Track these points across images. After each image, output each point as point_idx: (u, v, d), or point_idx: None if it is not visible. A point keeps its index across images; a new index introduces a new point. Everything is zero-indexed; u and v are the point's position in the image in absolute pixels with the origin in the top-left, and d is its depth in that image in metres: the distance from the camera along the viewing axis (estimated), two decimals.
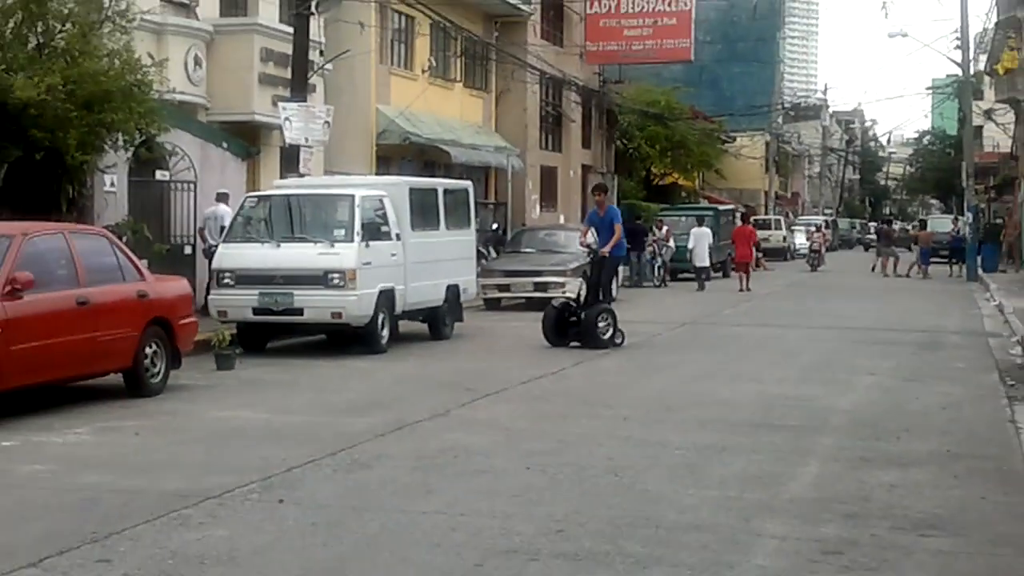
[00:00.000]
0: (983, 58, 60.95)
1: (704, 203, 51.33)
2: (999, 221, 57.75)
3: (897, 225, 57.39)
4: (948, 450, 11.04)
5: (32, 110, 16.90)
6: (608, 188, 22.56)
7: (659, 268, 38.14)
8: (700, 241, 37.83)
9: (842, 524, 8.25)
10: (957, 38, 50.61)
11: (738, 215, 48.36)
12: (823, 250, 50.62)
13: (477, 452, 10.74)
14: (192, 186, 22.68)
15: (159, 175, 22.40)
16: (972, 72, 54.85)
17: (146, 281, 14.33)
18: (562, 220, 38.77)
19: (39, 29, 17.85)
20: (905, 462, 10.44)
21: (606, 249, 19.48)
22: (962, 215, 51.92)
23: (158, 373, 14.12)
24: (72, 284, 13.11)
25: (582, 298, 19.51)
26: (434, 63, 35.44)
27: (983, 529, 8.25)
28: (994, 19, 57.48)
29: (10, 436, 11.40)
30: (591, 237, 20.01)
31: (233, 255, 18.40)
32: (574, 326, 18.68)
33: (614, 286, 24.81)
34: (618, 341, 19.31)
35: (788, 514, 8.53)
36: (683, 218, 42.85)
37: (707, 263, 38.41)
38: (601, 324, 18.77)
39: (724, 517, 8.42)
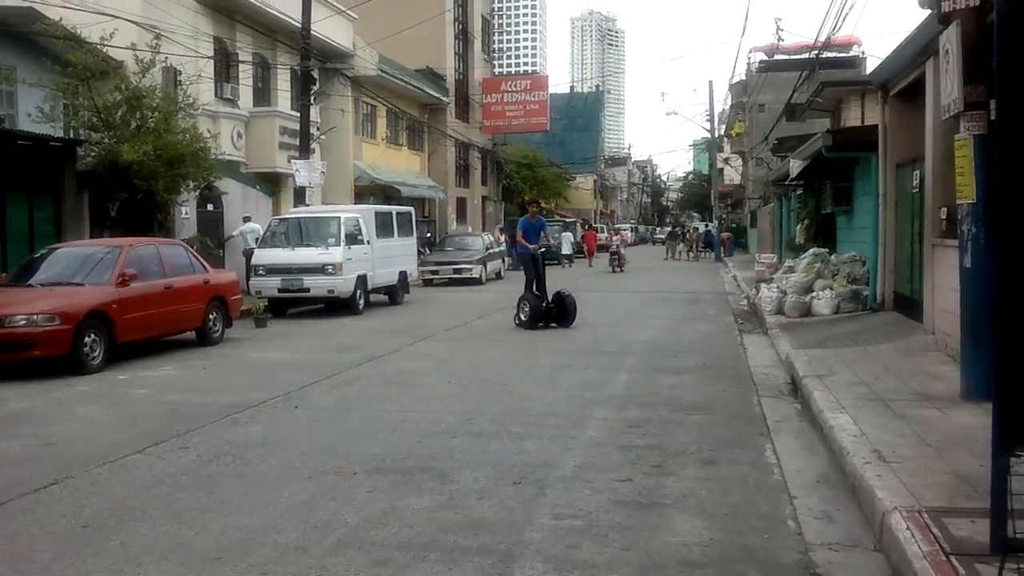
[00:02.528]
0: (723, 127, 61.75)
1: (558, 218, 51.45)
2: (733, 226, 58.82)
3: (679, 229, 57.74)
4: (704, 363, 11.22)
5: (134, 167, 16.70)
6: (540, 204, 18.68)
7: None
8: (565, 239, 39.20)
9: (641, 409, 8.37)
10: (707, 115, 51.33)
11: (579, 224, 50.68)
12: (622, 250, 36.50)
13: (418, 373, 10.72)
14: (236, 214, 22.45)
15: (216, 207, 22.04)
16: (716, 135, 55.61)
17: (208, 273, 14.12)
18: (470, 230, 38.61)
19: (137, 115, 17.51)
20: (679, 371, 10.60)
21: (550, 243, 17.31)
22: (712, 222, 52.85)
23: (217, 331, 13.93)
24: (161, 276, 12.91)
25: (534, 287, 15.39)
26: (389, 134, 35.27)
27: (725, 409, 8.43)
28: (730, 103, 58.51)
29: (124, 372, 11.20)
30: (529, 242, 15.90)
31: (265, 255, 18.17)
32: (549, 312, 15.20)
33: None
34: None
35: (608, 405, 8.62)
36: (550, 227, 43.77)
37: (570, 252, 39.78)
38: (574, 307, 15.51)
39: (569, 408, 8.50)
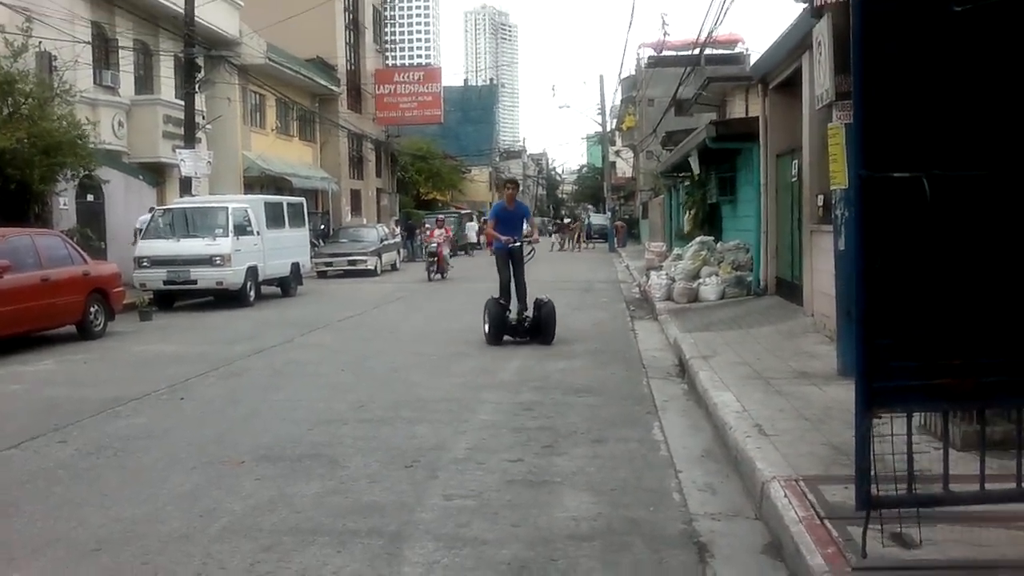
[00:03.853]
0: (614, 120, 62.71)
1: (453, 210, 51.38)
2: (626, 217, 59.82)
3: (567, 221, 58.12)
4: (596, 348, 11.39)
5: (7, 156, 15.96)
6: (519, 184, 14.35)
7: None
8: (470, 229, 42.95)
9: (533, 393, 8.45)
10: (599, 109, 52.06)
11: (476, 216, 50.87)
12: (443, 250, 25.43)
13: (309, 363, 10.57)
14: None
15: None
16: (608, 129, 56.45)
17: (88, 264, 13.63)
18: (364, 222, 38.17)
19: (9, 102, 16.74)
20: (571, 356, 10.72)
21: (536, 237, 13.22)
22: (606, 214, 53.65)
23: (99, 324, 13.45)
24: (37, 268, 12.40)
25: (511, 295, 11.86)
26: (279, 124, 34.56)
27: (615, 391, 8.58)
28: (620, 97, 59.44)
29: None
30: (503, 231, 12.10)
31: (149, 246, 17.61)
32: (520, 324, 11.60)
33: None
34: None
35: (501, 389, 8.68)
36: (447, 218, 44.41)
37: (475, 240, 43.14)
38: (554, 320, 11.72)
39: (462, 393, 8.52)
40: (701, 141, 17.23)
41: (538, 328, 11.67)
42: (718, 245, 17.46)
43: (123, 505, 5.22)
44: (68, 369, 10.60)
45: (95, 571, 4.22)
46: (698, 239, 17.97)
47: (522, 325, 11.72)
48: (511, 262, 11.95)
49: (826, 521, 4.25)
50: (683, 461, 6.03)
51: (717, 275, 16.02)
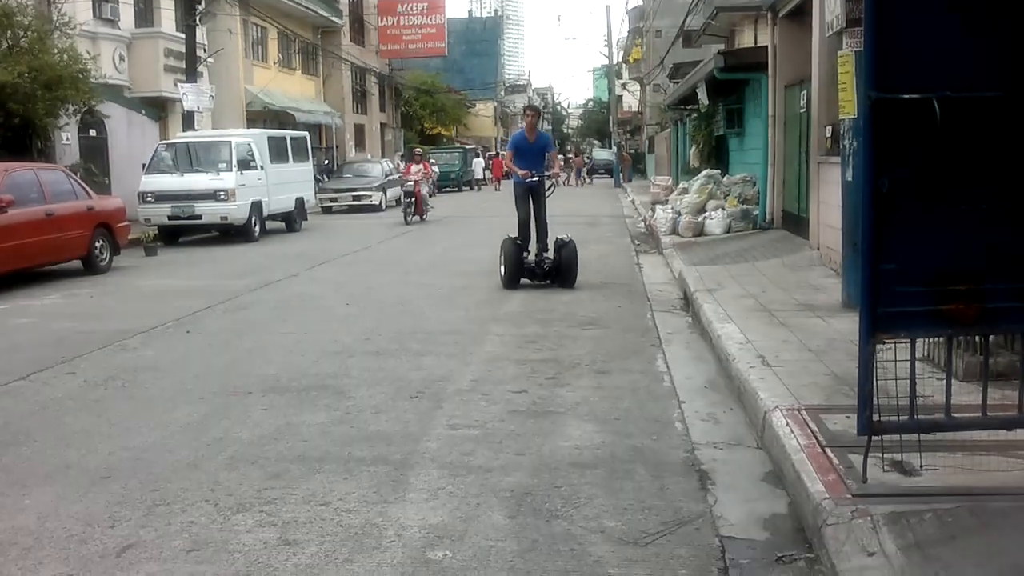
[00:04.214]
0: (621, 53, 61.81)
1: (458, 145, 50.96)
2: (632, 152, 59.37)
3: (570, 156, 57.44)
4: (601, 282, 11.36)
5: (8, 90, 15.78)
6: (540, 111, 13.00)
7: (431, 184, 38.50)
8: (477, 165, 44.05)
9: (538, 325, 8.48)
10: (605, 41, 51.28)
11: (480, 151, 50.89)
12: (422, 188, 22.02)
13: (315, 296, 10.59)
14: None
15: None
16: (615, 61, 55.69)
17: (92, 199, 13.58)
18: (368, 157, 37.91)
19: (8, 35, 16.53)
20: (575, 289, 10.67)
21: (556, 172, 11.91)
22: (612, 148, 53.20)
23: (104, 258, 13.46)
24: (41, 202, 12.36)
25: (532, 236, 10.96)
26: (281, 57, 34.16)
27: (619, 323, 8.60)
28: (627, 29, 58.51)
29: (4, 302, 10.72)
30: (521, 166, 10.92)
31: (153, 181, 17.51)
32: (540, 266, 10.76)
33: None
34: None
35: (506, 322, 8.71)
36: (450, 153, 44.39)
37: (481, 176, 44.48)
38: (576, 262, 10.83)
39: (468, 326, 8.55)
40: (709, 72, 16.98)
41: (558, 270, 10.81)
42: (724, 179, 17.33)
43: (132, 434, 5.28)
44: (74, 303, 10.64)
45: (105, 497, 4.27)
46: (704, 172, 17.83)
47: (541, 267, 10.87)
48: (530, 198, 10.98)
49: (827, 449, 4.27)
50: (686, 392, 6.06)
51: (723, 208, 15.93)
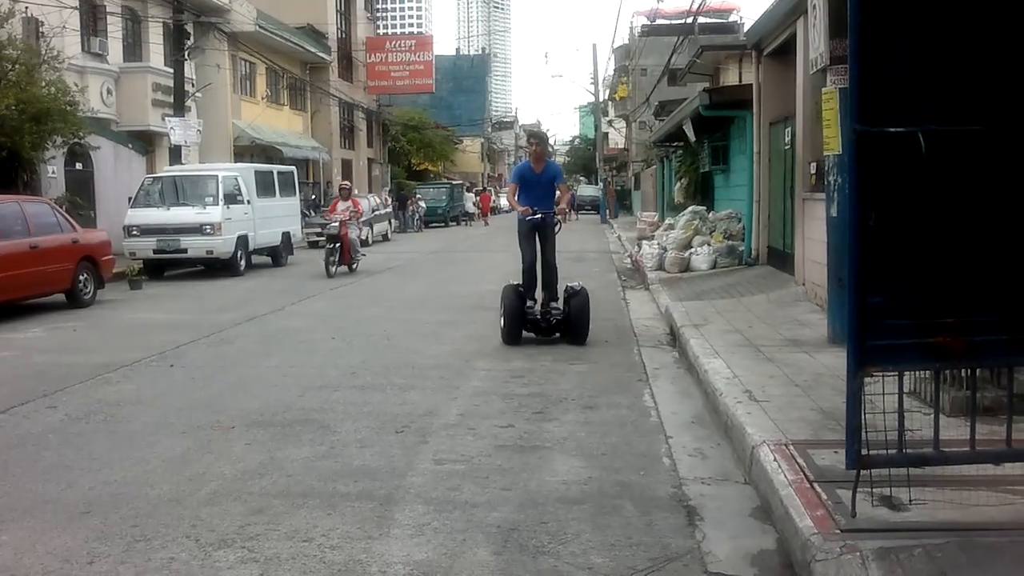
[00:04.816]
0: (607, 90, 62.35)
1: (445, 181, 51.12)
2: (618, 188, 59.67)
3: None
4: None
5: None
6: (546, 138, 11.18)
7: (417, 220, 38.59)
8: (468, 200, 45.03)
9: (524, 360, 8.43)
10: (592, 79, 51.74)
11: (466, 187, 51.21)
12: (350, 232, 16.63)
13: (301, 330, 10.53)
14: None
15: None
16: (601, 99, 56.17)
17: (77, 232, 13.51)
18: (355, 192, 37.91)
19: None
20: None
21: (564, 207, 10.14)
22: (598, 184, 53.49)
23: (89, 292, 13.35)
24: (25, 235, 12.28)
25: (536, 283, 9.54)
26: (269, 93, 34.31)
27: (606, 358, 8.57)
28: (613, 67, 59.10)
29: None
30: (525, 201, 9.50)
31: (139, 215, 17.47)
32: (546, 318, 9.25)
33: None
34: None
35: (492, 357, 8.66)
36: (438, 189, 44.35)
37: (474, 211, 45.37)
38: (588, 314, 9.36)
39: (454, 360, 8.50)
40: (694, 109, 17.14)
41: (568, 323, 9.27)
42: (710, 215, 17.42)
43: (112, 469, 5.20)
44: (57, 336, 10.54)
45: (84, 533, 4.20)
46: (690, 208, 17.92)
47: (548, 319, 9.30)
48: (536, 238, 9.49)
49: (815, 484, 4.25)
50: (673, 427, 6.03)
51: (709, 244, 15.99)
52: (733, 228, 16.39)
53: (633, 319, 11.25)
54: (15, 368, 8.51)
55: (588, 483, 4.85)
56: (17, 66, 16.74)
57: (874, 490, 3.82)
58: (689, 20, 25.23)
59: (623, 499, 4.60)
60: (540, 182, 9.57)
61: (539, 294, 9.60)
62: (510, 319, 9.27)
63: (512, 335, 9.26)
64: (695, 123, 18.26)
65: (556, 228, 9.63)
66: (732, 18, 40.09)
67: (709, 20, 32.69)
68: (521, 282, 9.48)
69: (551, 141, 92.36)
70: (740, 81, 23.46)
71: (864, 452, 3.49)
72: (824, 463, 4.57)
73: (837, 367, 6.95)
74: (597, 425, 6.06)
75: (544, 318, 9.33)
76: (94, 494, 4.77)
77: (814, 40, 8.13)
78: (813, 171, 11.00)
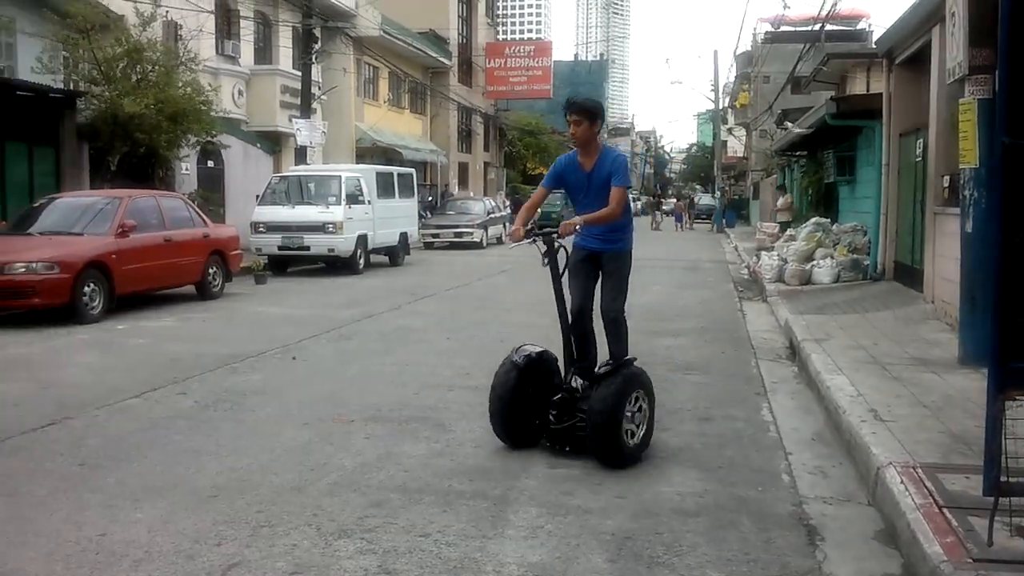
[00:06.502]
0: (727, 98, 61.36)
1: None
2: (736, 197, 58.63)
3: (654, 199, 56.76)
4: (702, 327, 11.24)
5: (135, 120, 16.62)
6: (599, 109, 5.62)
7: None
8: None
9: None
10: (712, 85, 51.06)
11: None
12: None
13: (417, 330, 10.73)
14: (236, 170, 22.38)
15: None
16: (721, 106, 55.34)
17: (208, 227, 14.12)
18: (471, 195, 38.47)
19: (138, 69, 17.42)
20: (676, 333, 10.63)
21: (575, 221, 5.42)
22: (716, 193, 52.70)
23: (217, 285, 13.96)
24: (160, 228, 12.93)
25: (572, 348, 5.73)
26: (391, 96, 35.09)
27: (722, 369, 8.46)
28: (734, 74, 58.12)
29: (123, 322, 11.23)
30: (575, 219, 5.43)
31: (265, 212, 18.18)
32: (555, 411, 5.41)
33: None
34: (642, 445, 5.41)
35: None
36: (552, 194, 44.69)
37: None
38: (627, 418, 5.20)
39: None
40: (820, 118, 16.70)
41: (584, 424, 5.31)
42: (834, 227, 16.94)
43: (238, 455, 5.41)
44: (188, 326, 11.04)
45: (213, 516, 4.38)
46: (813, 220, 17.47)
47: (561, 414, 5.47)
48: (587, 270, 5.96)
49: (945, 510, 4.08)
50: (793, 443, 5.89)
51: (832, 257, 15.55)
52: (858, 241, 15.89)
53: (750, 331, 11.04)
54: (148, 355, 8.94)
55: (704, 496, 4.78)
56: (157, 67, 17.60)
57: (1013, 519, 3.65)
58: (816, 27, 24.63)
59: (740, 514, 4.51)
60: (592, 184, 5.66)
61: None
62: (498, 411, 5.58)
63: (507, 433, 5.62)
64: (820, 132, 17.78)
65: (544, 261, 5.63)
66: (860, 26, 38.93)
67: (836, 27, 31.81)
68: (564, 343, 5.77)
69: (668, 149, 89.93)
70: (867, 90, 22.75)
71: (1003, 479, 3.34)
72: (955, 488, 4.39)
73: (968, 389, 6.67)
74: (713, 437, 5.97)
75: (555, 410, 5.50)
76: (222, 479, 4.97)
77: (951, 49, 7.82)
78: (946, 184, 10.57)
